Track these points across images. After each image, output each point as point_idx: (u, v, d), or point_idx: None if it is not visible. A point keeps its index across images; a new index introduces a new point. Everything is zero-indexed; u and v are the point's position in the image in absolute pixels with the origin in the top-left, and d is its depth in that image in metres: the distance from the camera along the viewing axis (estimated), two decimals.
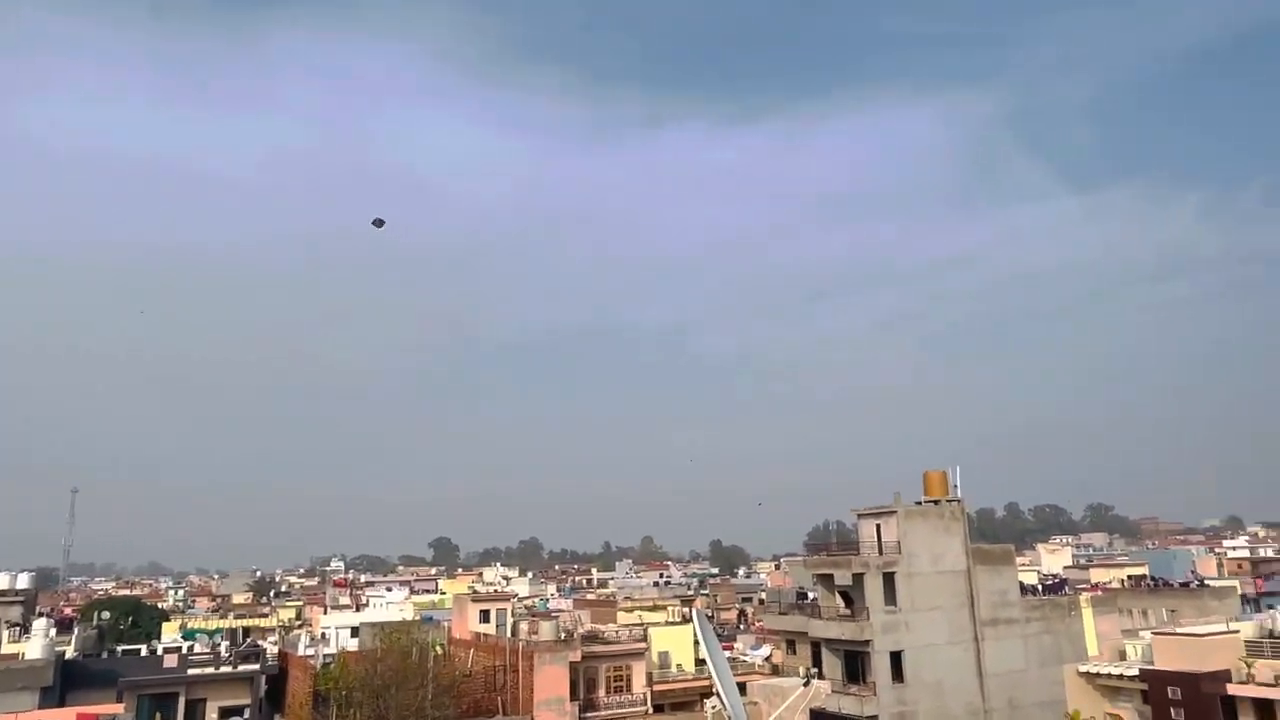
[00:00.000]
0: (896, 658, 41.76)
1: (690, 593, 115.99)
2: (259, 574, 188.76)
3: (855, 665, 42.88)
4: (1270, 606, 49.88)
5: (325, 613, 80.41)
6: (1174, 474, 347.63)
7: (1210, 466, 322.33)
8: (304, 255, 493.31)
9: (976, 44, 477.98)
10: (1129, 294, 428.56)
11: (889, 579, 42.76)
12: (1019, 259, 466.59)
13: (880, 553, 43.98)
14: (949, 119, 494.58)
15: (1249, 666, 31.20)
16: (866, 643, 41.49)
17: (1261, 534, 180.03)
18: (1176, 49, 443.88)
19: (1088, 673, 36.38)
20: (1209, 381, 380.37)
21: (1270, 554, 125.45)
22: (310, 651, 50.67)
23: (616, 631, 53.03)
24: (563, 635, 46.44)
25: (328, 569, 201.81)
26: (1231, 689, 31.00)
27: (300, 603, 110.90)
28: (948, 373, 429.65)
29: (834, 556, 47.04)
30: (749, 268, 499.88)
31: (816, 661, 44.71)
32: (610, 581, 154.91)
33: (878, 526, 44.94)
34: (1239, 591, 65.61)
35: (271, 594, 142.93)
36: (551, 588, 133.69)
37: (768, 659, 53.82)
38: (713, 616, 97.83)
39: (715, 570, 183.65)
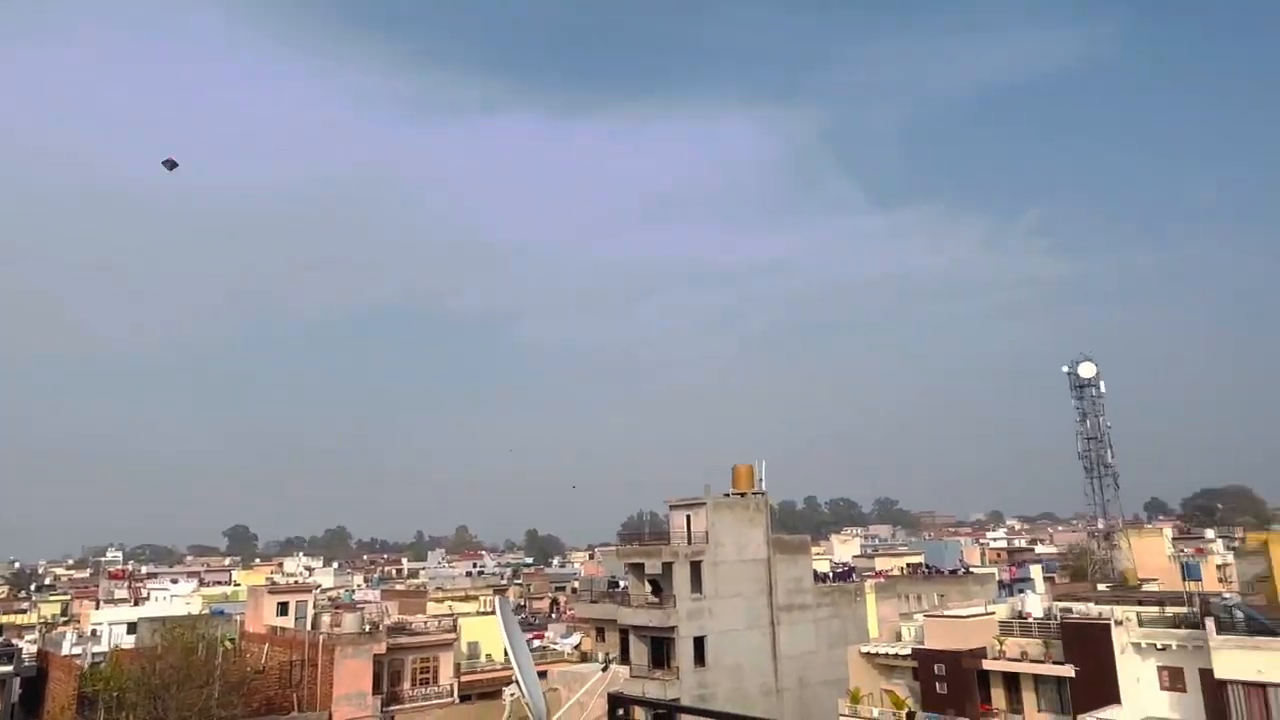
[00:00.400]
0: (700, 643, 43.51)
1: (504, 583, 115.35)
2: (17, 565, 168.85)
3: (661, 651, 44.26)
4: (1021, 591, 56.26)
5: (98, 608, 73.23)
6: (949, 473, 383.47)
7: (978, 467, 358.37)
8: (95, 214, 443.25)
9: (797, 64, 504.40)
10: (921, 309, 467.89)
11: (696, 567, 44.44)
12: (830, 269, 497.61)
13: (689, 542, 45.61)
14: (771, 131, 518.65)
15: (1001, 644, 35.03)
16: (672, 629, 42.93)
17: (1017, 527, 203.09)
18: (971, 89, 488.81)
19: (868, 653, 39.38)
20: (980, 392, 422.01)
21: (1023, 544, 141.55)
22: (77, 650, 45.92)
23: (425, 623, 51.74)
24: (367, 627, 44.77)
25: (103, 559, 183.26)
26: (986, 664, 34.67)
27: (67, 597, 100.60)
28: (762, 372, 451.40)
29: (645, 546, 48.30)
30: (576, 261, 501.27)
31: (625, 648, 45.76)
32: (422, 572, 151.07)
33: (688, 517, 46.56)
34: (997, 578, 73.40)
35: (32, 587, 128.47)
36: (359, 578, 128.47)
37: (577, 647, 54.52)
38: (525, 606, 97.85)
39: (530, 560, 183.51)
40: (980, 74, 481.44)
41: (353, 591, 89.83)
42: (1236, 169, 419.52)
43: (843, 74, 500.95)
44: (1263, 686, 27.92)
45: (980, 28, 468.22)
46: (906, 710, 35.47)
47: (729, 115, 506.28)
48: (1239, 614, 30.84)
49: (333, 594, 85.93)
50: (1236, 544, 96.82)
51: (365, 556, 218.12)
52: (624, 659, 45.81)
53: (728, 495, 48.35)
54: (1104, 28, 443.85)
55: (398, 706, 42.45)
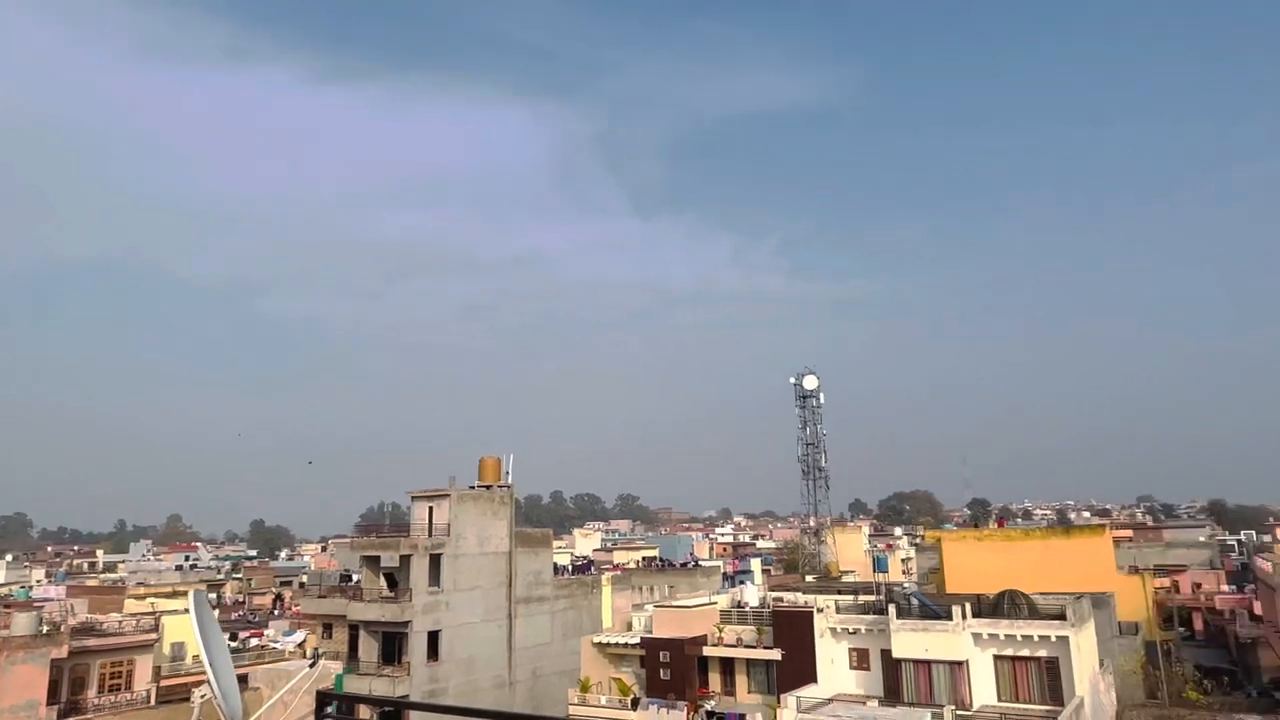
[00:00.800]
0: (434, 637, 42.53)
1: (220, 577, 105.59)
2: None
3: (393, 646, 42.71)
4: (742, 582, 60.87)
5: None
6: (687, 471, 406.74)
7: (713, 467, 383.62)
8: None
9: (575, 64, 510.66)
10: (674, 314, 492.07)
11: (436, 560, 43.42)
12: (590, 268, 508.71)
13: (430, 535, 44.46)
14: (544, 127, 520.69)
15: (720, 632, 37.63)
16: (406, 623, 41.59)
17: (743, 523, 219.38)
18: (728, 114, 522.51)
19: (600, 643, 40.65)
20: (722, 396, 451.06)
21: (747, 539, 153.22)
22: None
23: (120, 622, 45.98)
24: (44, 629, 38.94)
25: None
26: (706, 650, 37.10)
27: None
28: (517, 365, 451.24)
29: (383, 538, 46.40)
30: (330, 235, 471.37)
31: (353, 645, 43.69)
32: (121, 565, 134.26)
33: (430, 509, 45.39)
34: (722, 570, 78.86)
35: None
36: (39, 573, 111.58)
37: (300, 645, 51.15)
38: (244, 601, 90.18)
39: (253, 553, 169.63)
40: (738, 102, 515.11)
41: (29, 588, 77.84)
42: (938, 215, 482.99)
43: (618, 80, 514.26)
44: (928, 663, 32.28)
45: (741, 59, 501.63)
46: (632, 697, 37.00)
47: (501, 105, 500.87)
48: (915, 601, 35.40)
49: (3, 591, 74.16)
50: (918, 541, 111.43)
51: (50, 548, 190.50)
52: (352, 656, 43.74)
53: (473, 488, 47.75)
54: (848, 73, 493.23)
55: (79, 717, 37.41)
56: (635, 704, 36.21)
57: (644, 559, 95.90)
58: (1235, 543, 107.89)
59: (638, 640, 38.84)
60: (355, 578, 49.65)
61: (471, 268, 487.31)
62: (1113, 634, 42.55)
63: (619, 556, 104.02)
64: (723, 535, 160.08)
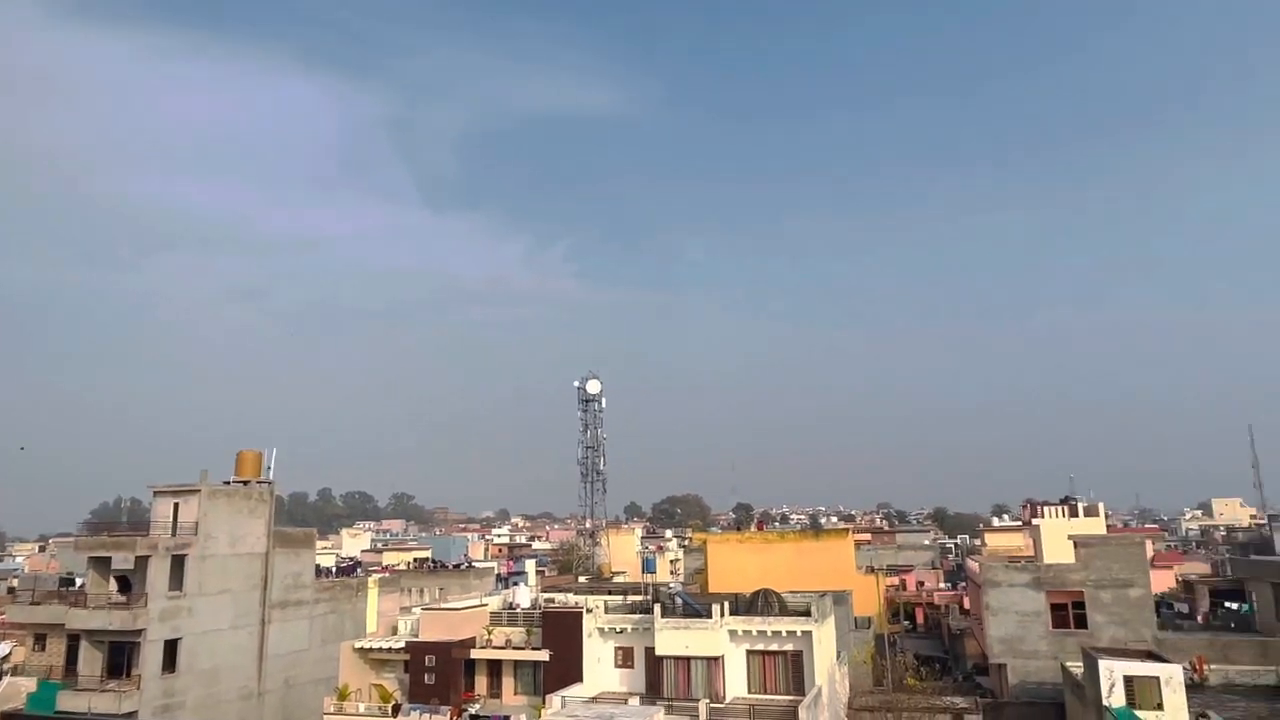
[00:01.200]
0: (172, 646, 38.68)
1: None
2: None
3: (122, 658, 38.30)
4: (515, 584, 60.63)
5: None
6: (467, 471, 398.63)
7: (492, 467, 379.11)
8: None
9: (370, 41, 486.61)
10: (460, 310, 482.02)
11: (179, 562, 39.53)
12: (374, 256, 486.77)
13: (174, 533, 40.44)
14: (330, 102, 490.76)
15: (489, 634, 37.24)
16: (139, 632, 37.48)
17: (520, 524, 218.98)
18: (526, 115, 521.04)
19: (361, 648, 38.85)
20: (504, 396, 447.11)
21: (523, 540, 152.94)
22: None
23: None
24: None
25: None
26: (474, 653, 36.54)
27: None
28: (290, 352, 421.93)
29: (116, 537, 41.55)
30: (65, 193, 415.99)
31: (72, 658, 38.77)
32: None
33: (176, 505, 41.29)
34: (496, 571, 78.16)
35: None
36: None
37: (5, 659, 44.57)
38: None
39: None
40: (540, 102, 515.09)
41: None
42: (724, 236, 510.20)
43: (417, 65, 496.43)
44: (688, 659, 33.83)
45: (549, 60, 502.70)
46: (393, 703, 35.69)
47: (287, 75, 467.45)
48: (679, 601, 37.02)
49: None
50: (686, 542, 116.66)
51: None
52: (70, 670, 38.78)
53: (228, 483, 44.03)
54: (651, 86, 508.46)
55: None
56: (396, 710, 34.97)
57: (415, 560, 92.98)
58: (953, 545, 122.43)
59: (402, 644, 37.54)
60: (80, 581, 43.99)
61: (243, 246, 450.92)
62: (850, 628, 46.79)
63: (389, 558, 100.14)
64: (499, 537, 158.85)
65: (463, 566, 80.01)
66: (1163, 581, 62.66)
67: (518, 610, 39.74)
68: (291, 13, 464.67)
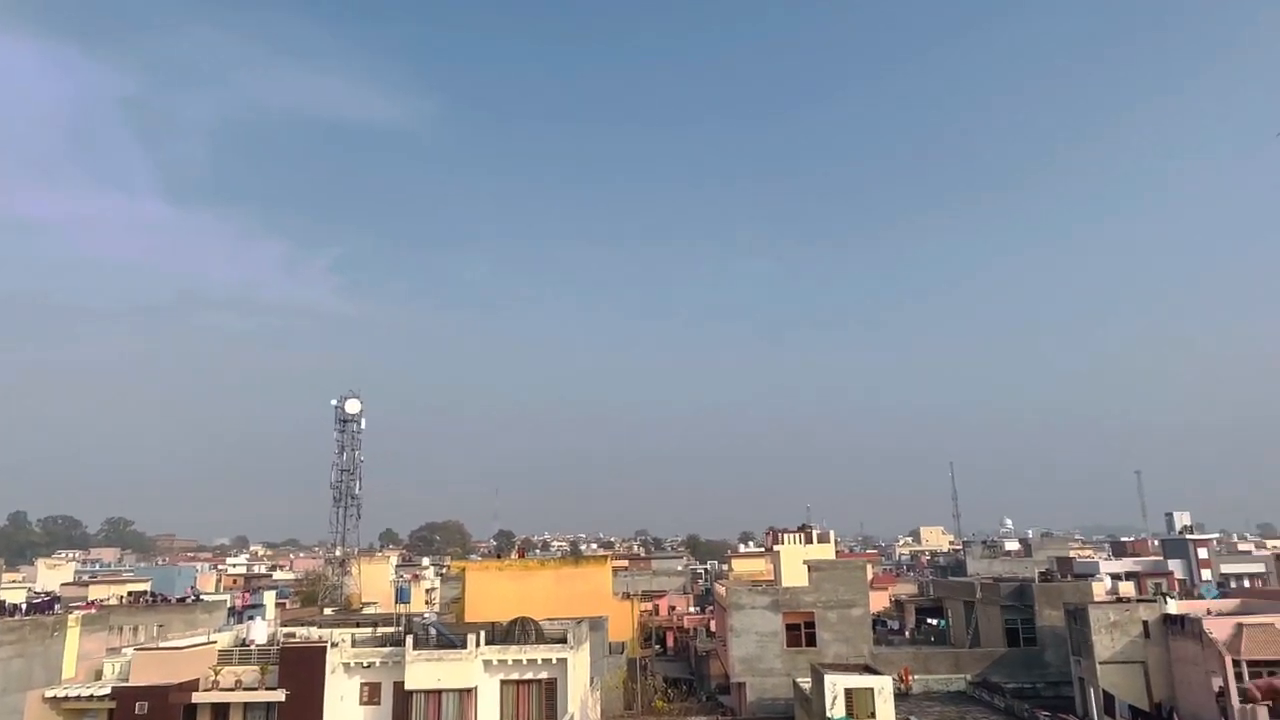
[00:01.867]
0: None
1: None
2: None
3: None
4: (251, 618, 55.58)
5: None
6: (201, 493, 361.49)
7: (232, 489, 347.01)
8: None
9: (107, 7, 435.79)
10: (200, 315, 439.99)
11: None
12: (94, 248, 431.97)
13: None
14: (55, 71, 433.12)
15: (216, 674, 33.73)
16: None
17: (261, 553, 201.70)
18: (293, 115, 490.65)
19: (55, 697, 33.76)
20: (249, 413, 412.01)
21: (264, 570, 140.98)
22: None
23: None
24: None
25: None
26: (197, 696, 32.88)
27: None
28: None
29: None
30: None
31: None
32: None
33: None
34: (229, 605, 71.11)
35: None
36: None
37: None
38: None
39: None
40: (309, 105, 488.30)
41: None
42: (502, 258, 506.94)
43: (165, 42, 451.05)
44: (439, 692, 32.70)
45: (322, 61, 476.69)
46: None
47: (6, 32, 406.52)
48: (433, 631, 35.75)
49: None
50: (444, 570, 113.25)
51: None
52: None
53: None
54: (426, 105, 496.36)
55: None
56: None
57: (131, 594, 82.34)
58: (703, 571, 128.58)
59: (108, 690, 33.01)
60: None
61: None
62: (604, 653, 47.56)
63: (97, 591, 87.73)
64: (235, 567, 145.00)
65: (189, 600, 71.96)
66: (879, 601, 69.86)
67: (252, 647, 36.43)
68: None
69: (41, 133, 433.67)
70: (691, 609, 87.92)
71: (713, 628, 70.79)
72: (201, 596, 78.80)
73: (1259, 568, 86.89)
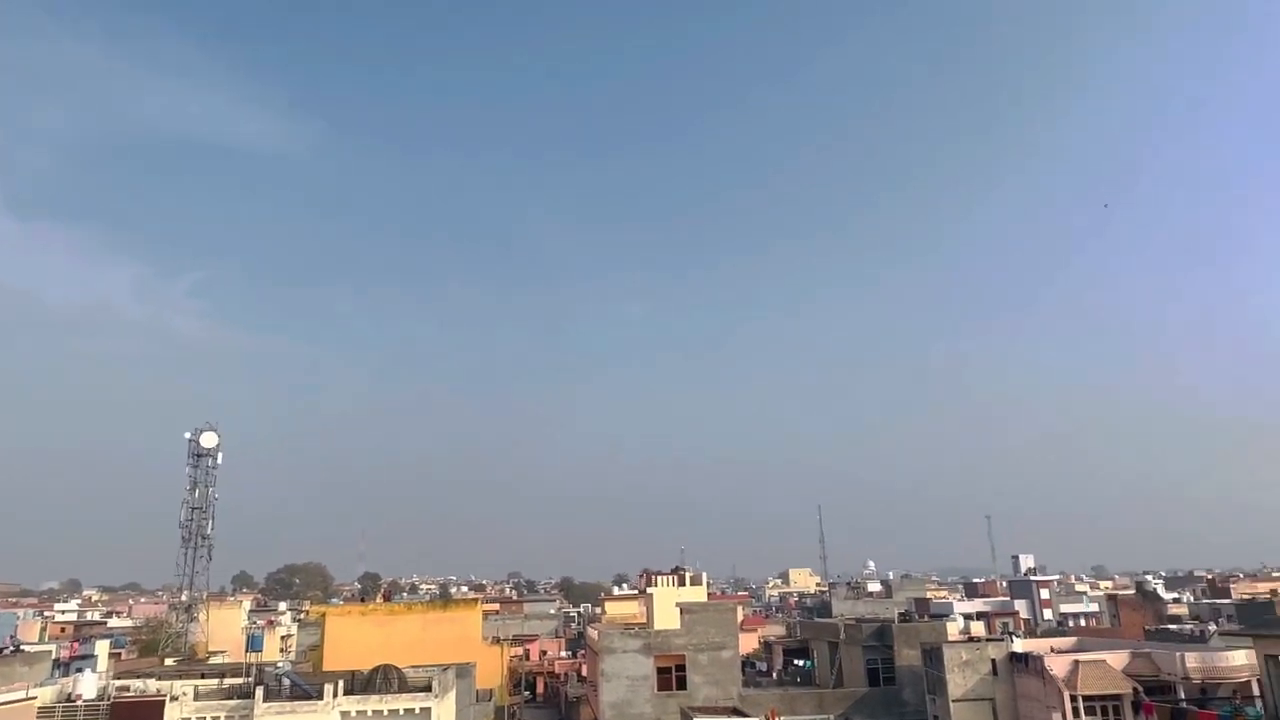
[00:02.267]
0: None
1: None
2: None
3: None
4: (79, 670, 50.66)
5: None
6: (26, 532, 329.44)
7: (62, 529, 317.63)
8: None
9: None
10: (38, 333, 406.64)
11: None
12: None
13: None
14: None
15: None
16: None
17: (95, 597, 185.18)
18: (149, 131, 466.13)
19: None
20: (87, 443, 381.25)
21: (98, 617, 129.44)
22: None
23: None
24: None
25: None
26: None
27: None
28: None
29: None
30: None
31: None
32: None
33: None
34: (54, 655, 64.71)
35: None
36: None
37: None
38: None
39: None
40: (173, 121, 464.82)
41: None
42: (374, 293, 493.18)
43: (15, 45, 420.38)
44: None
45: (188, 76, 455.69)
46: None
47: None
48: (286, 681, 33.68)
49: None
50: (303, 615, 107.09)
51: None
52: None
53: None
54: (308, 128, 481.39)
55: None
56: None
57: None
58: (576, 614, 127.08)
59: None
60: None
61: None
62: (471, 701, 45.98)
63: None
64: (65, 613, 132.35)
65: (6, 651, 65.06)
66: (749, 643, 70.89)
67: (79, 703, 33.16)
68: None
69: None
70: (563, 653, 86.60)
71: (584, 672, 69.92)
72: (22, 647, 71.20)
73: (1094, 607, 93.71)
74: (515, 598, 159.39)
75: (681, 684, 44.84)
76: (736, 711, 36.11)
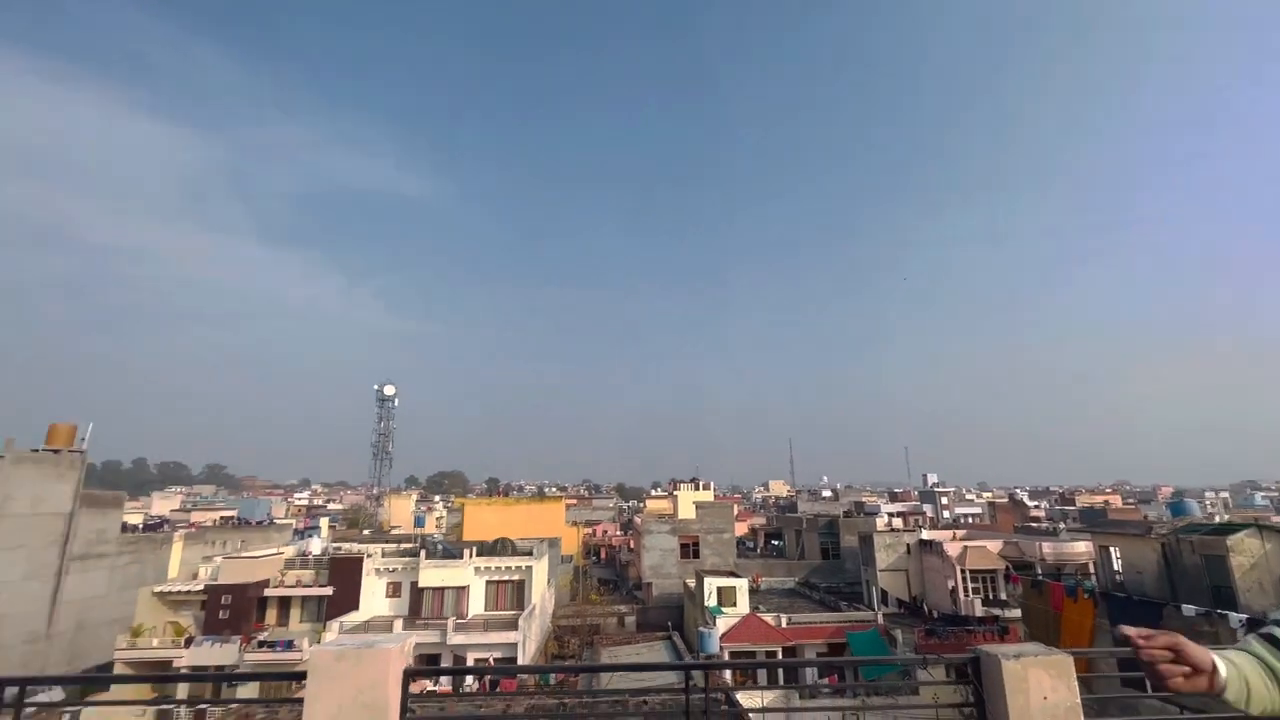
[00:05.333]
0: None
1: None
2: None
3: None
4: (309, 537, 52.79)
5: None
6: (275, 445, 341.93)
7: (299, 443, 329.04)
8: None
9: (216, 105, 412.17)
10: (291, 324, 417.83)
11: None
12: (201, 271, 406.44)
13: None
14: (176, 146, 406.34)
15: (283, 575, 32.04)
16: None
17: (319, 490, 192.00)
18: (344, 183, 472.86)
19: (160, 592, 31.47)
20: (319, 390, 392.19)
21: (320, 503, 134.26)
22: None
23: None
24: None
25: None
26: (268, 592, 31.18)
27: None
28: (121, 342, 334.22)
29: None
30: None
31: None
32: None
33: None
34: (293, 527, 67.42)
35: None
36: None
37: None
38: None
39: None
40: (356, 179, 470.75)
41: None
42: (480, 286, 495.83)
43: (257, 131, 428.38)
44: (442, 589, 31.72)
45: (355, 143, 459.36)
46: (186, 636, 29.24)
47: (134, 115, 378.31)
48: (439, 546, 34.70)
49: None
50: (450, 505, 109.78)
51: None
52: None
53: (36, 451, 33.74)
54: (445, 189, 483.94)
55: None
56: (189, 643, 28.67)
57: (222, 519, 77.40)
58: (626, 507, 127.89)
59: (201, 587, 30.97)
60: None
61: (68, 248, 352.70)
62: (558, 562, 46.93)
63: (197, 517, 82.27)
64: (300, 500, 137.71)
65: (264, 524, 68.04)
66: (741, 529, 70.61)
67: (310, 557, 34.69)
68: (149, 68, 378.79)
69: (165, 189, 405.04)
70: (618, 533, 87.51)
71: (632, 545, 70.64)
72: (274, 521, 74.61)
73: (979, 510, 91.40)
74: (586, 496, 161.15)
75: (696, 554, 45.11)
76: (733, 574, 36.22)
